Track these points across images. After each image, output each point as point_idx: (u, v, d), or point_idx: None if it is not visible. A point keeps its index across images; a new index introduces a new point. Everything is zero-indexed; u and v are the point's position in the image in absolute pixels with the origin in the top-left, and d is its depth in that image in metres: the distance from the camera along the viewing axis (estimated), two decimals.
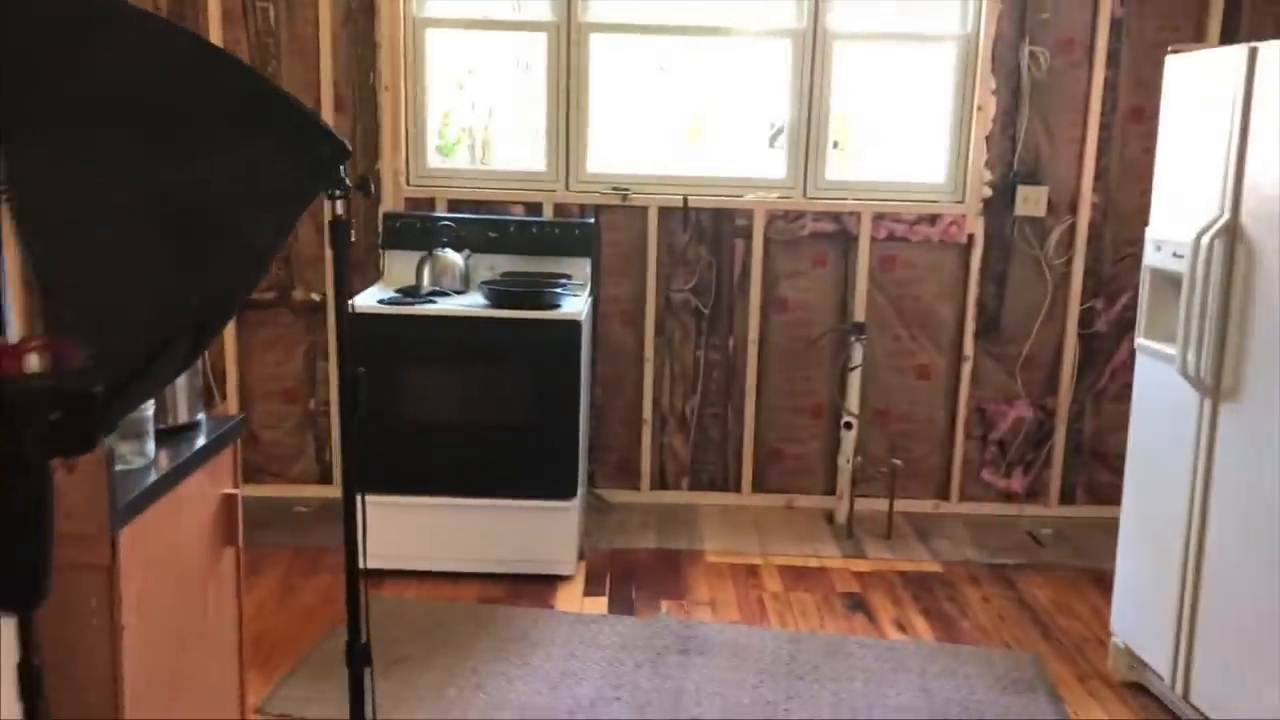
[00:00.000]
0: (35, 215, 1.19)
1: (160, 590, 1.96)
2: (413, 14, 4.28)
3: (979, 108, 4.30)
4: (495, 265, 4.13)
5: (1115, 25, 4.23)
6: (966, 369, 4.48)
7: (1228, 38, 4.18)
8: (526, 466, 3.74)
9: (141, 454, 1.89)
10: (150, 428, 1.89)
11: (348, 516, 2.03)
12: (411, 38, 4.30)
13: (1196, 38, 4.20)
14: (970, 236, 4.39)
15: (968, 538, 4.31)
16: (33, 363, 0.97)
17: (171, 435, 2.08)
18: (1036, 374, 4.49)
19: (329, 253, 3.89)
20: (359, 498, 1.99)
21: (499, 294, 3.77)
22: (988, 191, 4.36)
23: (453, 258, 4.03)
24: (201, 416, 2.22)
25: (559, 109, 4.36)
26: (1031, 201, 4.34)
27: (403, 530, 3.72)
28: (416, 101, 4.34)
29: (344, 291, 1.78)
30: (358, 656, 2.10)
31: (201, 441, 2.13)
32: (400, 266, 4.12)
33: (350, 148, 1.61)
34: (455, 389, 3.79)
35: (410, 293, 3.91)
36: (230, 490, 2.27)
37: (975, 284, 4.42)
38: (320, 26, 4.19)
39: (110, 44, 1.39)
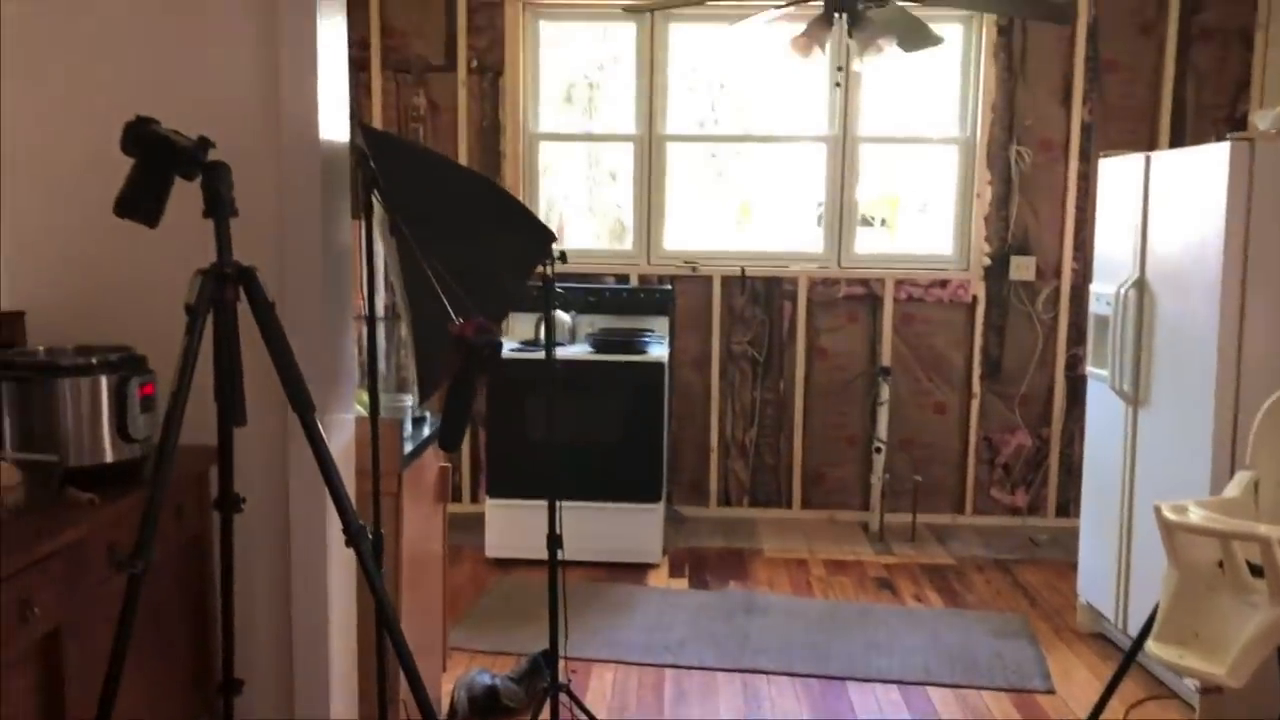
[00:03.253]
0: (419, 257, 2.31)
1: (415, 519, 3.04)
2: (530, 130, 5.48)
3: (978, 195, 5.39)
4: (594, 323, 5.25)
5: (1085, 129, 5.31)
6: (975, 404, 5.50)
7: (1176, 140, 5.24)
8: (622, 476, 4.80)
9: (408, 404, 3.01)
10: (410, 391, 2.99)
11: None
12: (527, 148, 5.49)
13: (1151, 140, 5.27)
14: (974, 297, 5.45)
15: (978, 541, 5.29)
16: (464, 329, 2.07)
17: (417, 422, 3.18)
18: (1033, 408, 5.50)
19: None
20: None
21: (601, 343, 4.89)
22: (987, 261, 5.42)
23: (563, 317, 5.15)
24: (427, 411, 3.32)
25: (642, 201, 5.52)
26: (1023, 268, 5.39)
27: (527, 527, 4.78)
28: (530, 198, 5.51)
29: (551, 337, 2.86)
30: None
31: (428, 429, 3.23)
32: (520, 325, 5.24)
33: (556, 234, 2.72)
34: (568, 416, 4.88)
35: (530, 344, 5.03)
36: (444, 464, 3.36)
37: (980, 335, 5.46)
38: (459, 141, 5.40)
39: (438, 179, 2.52)
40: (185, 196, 2.09)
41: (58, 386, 2.19)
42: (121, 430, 2.24)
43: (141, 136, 2.06)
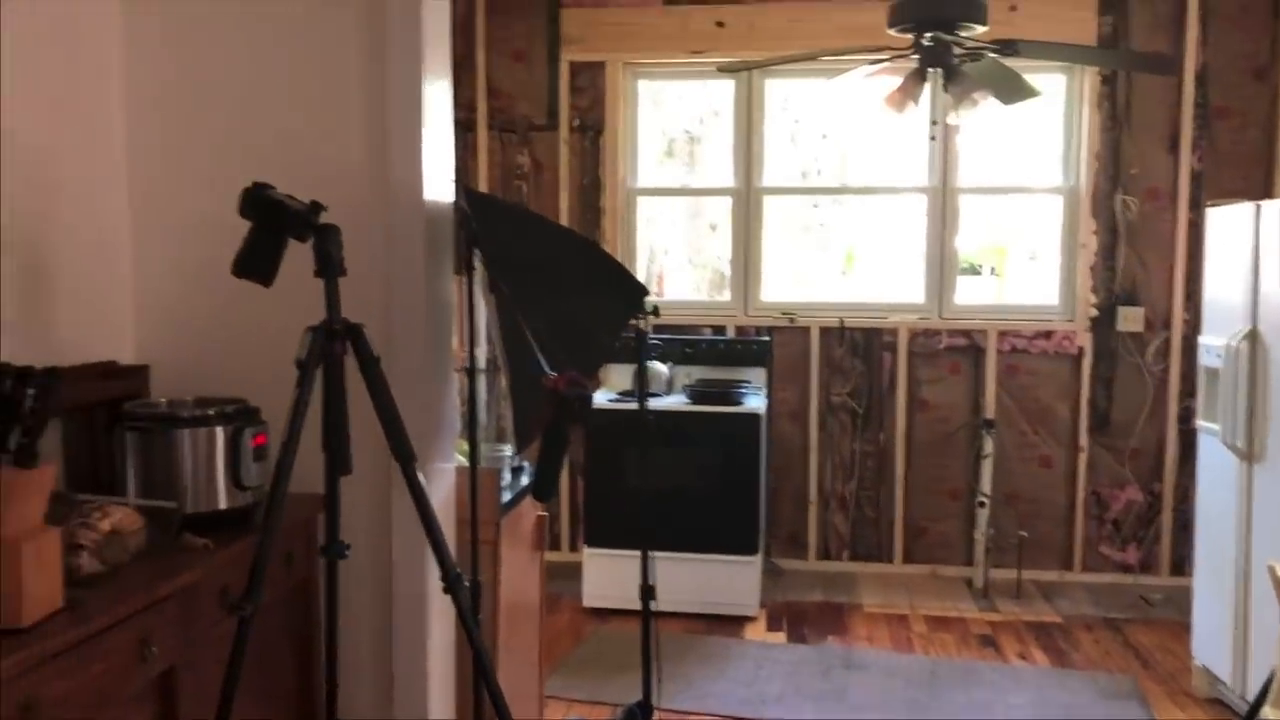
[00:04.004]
0: (516, 313, 2.39)
1: (513, 567, 3.10)
2: (628, 185, 5.59)
3: (1083, 244, 5.30)
4: (692, 374, 5.29)
5: (1195, 176, 5.19)
6: (1082, 459, 5.37)
7: None
8: (719, 527, 4.81)
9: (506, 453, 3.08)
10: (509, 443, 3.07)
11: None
12: (626, 203, 5.60)
13: (1266, 186, 5.12)
14: (1080, 348, 5.34)
15: (1087, 599, 5.14)
16: (557, 382, 2.14)
17: (515, 471, 3.25)
18: (1144, 462, 5.34)
19: None
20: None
21: (698, 394, 4.93)
22: (1094, 311, 5.31)
23: (659, 368, 5.21)
24: (525, 461, 3.39)
25: (740, 253, 5.56)
26: (1131, 319, 5.27)
27: (624, 576, 4.80)
28: (629, 251, 5.61)
29: (644, 389, 2.92)
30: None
31: (526, 478, 3.30)
32: (616, 376, 5.31)
33: (649, 290, 2.79)
34: (665, 466, 4.91)
35: (627, 394, 5.09)
36: (541, 513, 3.42)
37: (1087, 387, 5.34)
38: (560, 197, 5.54)
39: (535, 237, 2.61)
40: (298, 257, 2.21)
41: (177, 437, 2.32)
42: (235, 478, 2.36)
43: (258, 201, 2.19)
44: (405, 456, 2.22)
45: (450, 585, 2.27)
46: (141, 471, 2.32)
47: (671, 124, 5.84)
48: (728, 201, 5.60)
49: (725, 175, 5.60)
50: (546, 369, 2.25)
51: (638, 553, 4.84)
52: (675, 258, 5.97)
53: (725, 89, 5.56)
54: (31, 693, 1.66)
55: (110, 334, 2.68)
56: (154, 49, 2.71)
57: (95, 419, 2.50)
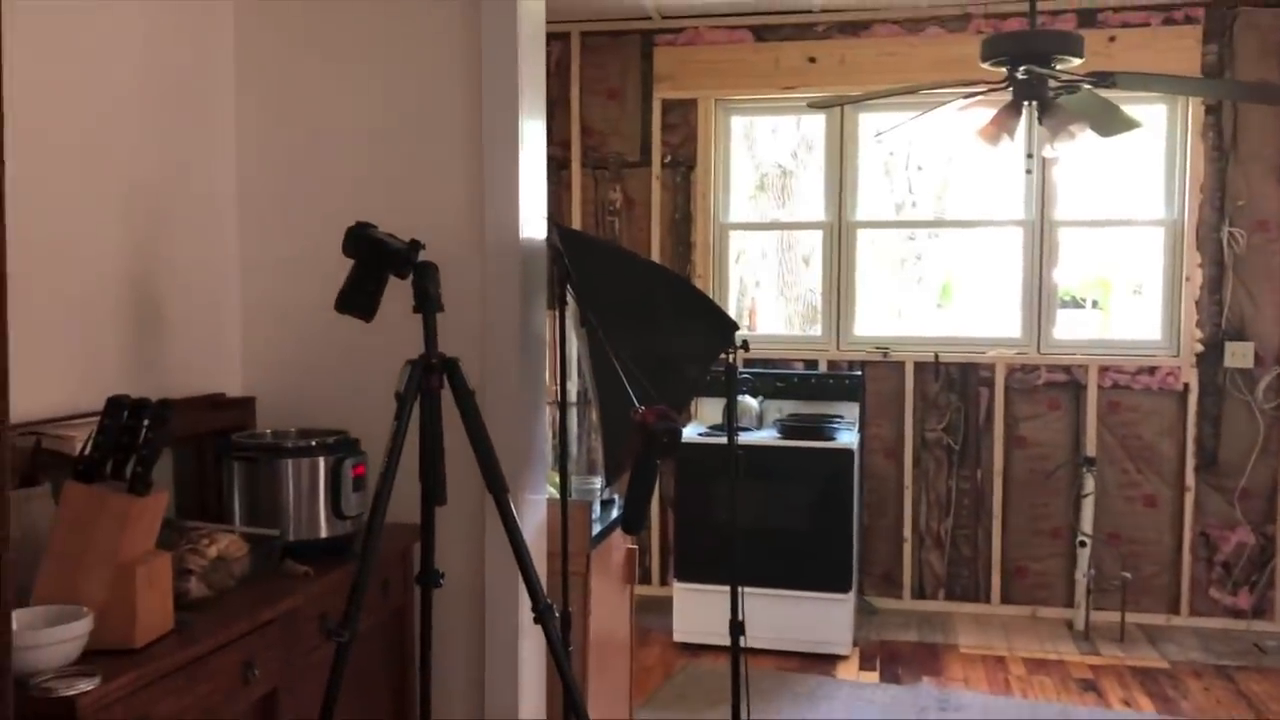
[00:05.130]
0: (607, 347, 2.43)
1: (603, 599, 3.12)
2: (719, 220, 5.62)
3: (1188, 278, 5.16)
4: (783, 408, 5.27)
5: None
6: (1189, 498, 5.19)
7: None
8: (811, 564, 4.77)
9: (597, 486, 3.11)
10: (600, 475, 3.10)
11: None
12: (717, 237, 5.63)
13: None
14: (1185, 385, 5.18)
15: (1196, 644, 4.95)
16: (646, 415, 2.17)
17: (605, 504, 3.28)
18: (1255, 503, 5.14)
19: None
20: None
21: (789, 428, 4.91)
22: (1199, 347, 5.16)
23: (750, 402, 5.20)
24: (616, 494, 3.42)
25: (832, 287, 5.54)
26: (1239, 355, 5.10)
27: (715, 611, 4.77)
28: (720, 285, 5.63)
29: (733, 423, 2.93)
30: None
31: (616, 511, 3.32)
32: (707, 410, 5.32)
33: (738, 324, 2.80)
34: (756, 501, 4.89)
35: (717, 429, 5.09)
36: (631, 546, 3.44)
37: (1193, 425, 5.18)
38: (651, 232, 5.60)
39: (626, 273, 2.65)
40: (397, 293, 2.28)
41: (281, 467, 2.41)
42: (335, 508, 2.43)
43: (360, 239, 2.28)
44: (499, 487, 2.26)
45: (541, 615, 2.30)
46: (246, 500, 2.41)
47: (764, 158, 5.86)
48: (820, 235, 5.59)
49: (817, 209, 5.59)
50: (636, 402, 2.27)
51: (728, 588, 4.87)
52: (766, 291, 5.97)
53: (817, 123, 5.57)
54: (143, 711, 1.73)
55: (218, 367, 2.80)
56: (265, 88, 2.84)
57: (203, 449, 2.61)
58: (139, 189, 2.50)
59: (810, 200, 5.67)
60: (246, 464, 2.41)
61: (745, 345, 2.82)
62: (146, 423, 1.88)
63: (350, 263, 2.28)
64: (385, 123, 2.79)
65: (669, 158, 5.60)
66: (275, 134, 2.84)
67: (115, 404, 1.91)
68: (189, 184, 2.70)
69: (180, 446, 2.53)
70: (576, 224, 5.64)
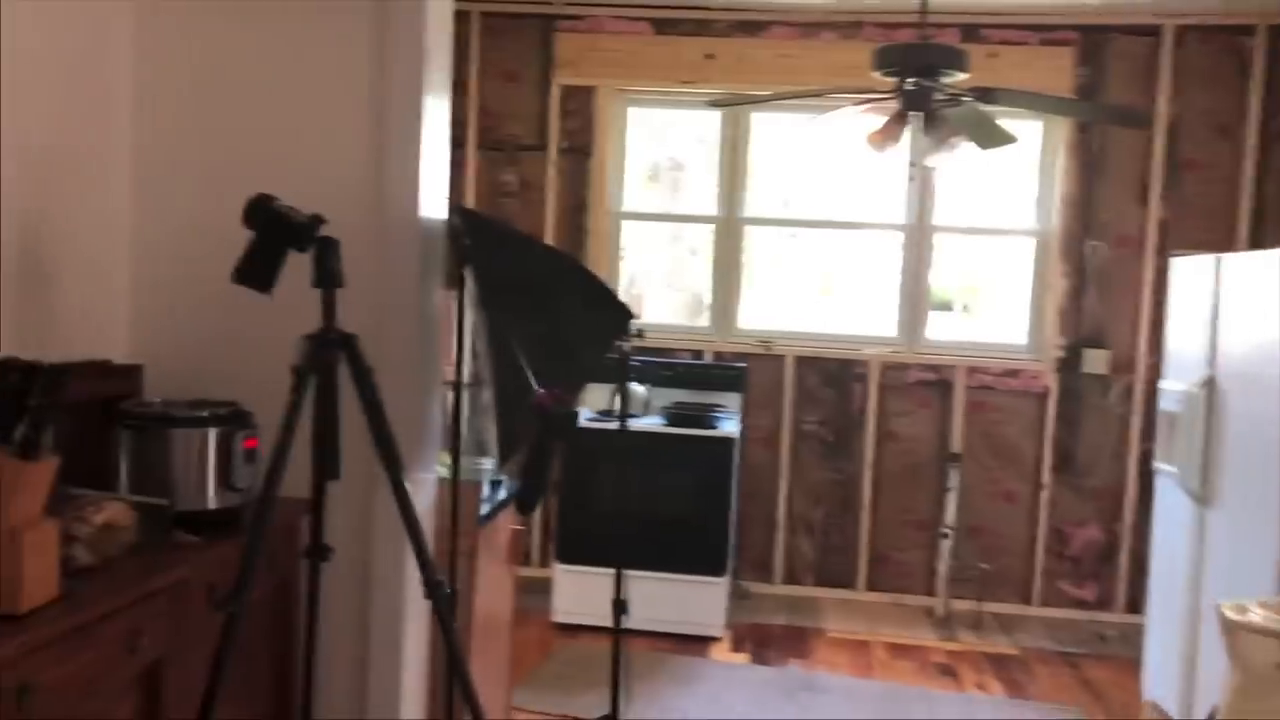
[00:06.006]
0: (505, 329, 2.48)
1: (488, 578, 3.17)
2: (613, 209, 5.69)
3: (1051, 287, 5.44)
4: (669, 396, 5.37)
5: (1163, 226, 5.35)
6: (1045, 495, 5.49)
7: (1256, 240, 5.25)
8: (688, 548, 4.89)
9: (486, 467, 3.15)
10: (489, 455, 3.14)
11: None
12: (611, 227, 5.70)
13: (1230, 238, 5.28)
14: (1046, 388, 5.47)
15: (1045, 633, 5.25)
16: (544, 399, 2.22)
17: (493, 485, 3.32)
18: (1105, 501, 5.47)
19: None
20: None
21: (674, 416, 5.02)
22: (1060, 352, 5.45)
23: (637, 389, 5.29)
24: (504, 476, 3.46)
25: (721, 281, 5.67)
26: (1096, 361, 5.41)
27: (594, 593, 4.87)
28: (613, 272, 5.70)
29: (625, 409, 3.00)
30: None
31: (504, 492, 3.36)
32: (596, 395, 5.38)
33: (635, 312, 2.88)
34: (639, 486, 4.98)
35: (605, 414, 5.16)
36: (518, 527, 3.49)
37: (1051, 426, 5.47)
38: (546, 218, 5.64)
39: (524, 253, 2.69)
40: (295, 267, 2.28)
41: (171, 436, 2.39)
42: (226, 479, 2.42)
43: (261, 211, 2.27)
44: (395, 465, 2.29)
45: (431, 591, 2.33)
46: (135, 469, 2.38)
47: (657, 150, 5.94)
48: (708, 228, 5.71)
49: (708, 203, 5.71)
50: (534, 385, 2.33)
51: (608, 570, 4.94)
52: (654, 281, 6.07)
53: (712, 118, 5.68)
54: (27, 678, 1.72)
55: (105, 334, 2.74)
56: (164, 53, 2.78)
57: (86, 416, 2.56)
58: (29, 151, 2.44)
59: (701, 194, 5.79)
60: (136, 432, 2.39)
61: (640, 333, 2.89)
62: (39, 387, 1.86)
63: (247, 232, 2.27)
64: (287, 92, 2.76)
65: (566, 144, 5.64)
66: (175, 96, 2.79)
67: (5, 366, 1.88)
68: (79, 143, 2.64)
69: (65, 413, 2.47)
70: (471, 205, 5.64)
